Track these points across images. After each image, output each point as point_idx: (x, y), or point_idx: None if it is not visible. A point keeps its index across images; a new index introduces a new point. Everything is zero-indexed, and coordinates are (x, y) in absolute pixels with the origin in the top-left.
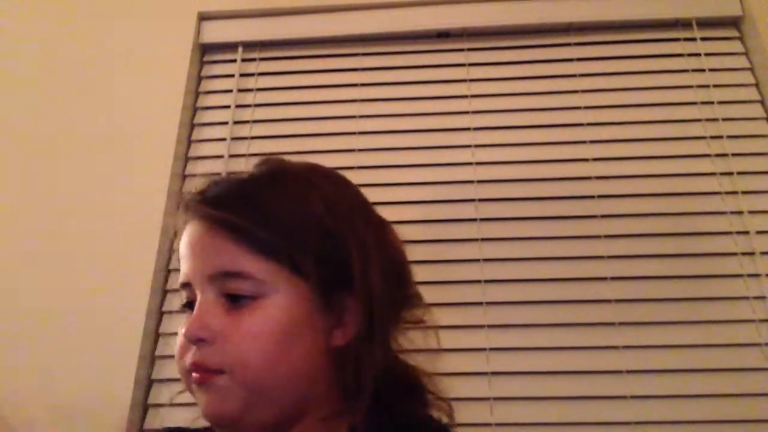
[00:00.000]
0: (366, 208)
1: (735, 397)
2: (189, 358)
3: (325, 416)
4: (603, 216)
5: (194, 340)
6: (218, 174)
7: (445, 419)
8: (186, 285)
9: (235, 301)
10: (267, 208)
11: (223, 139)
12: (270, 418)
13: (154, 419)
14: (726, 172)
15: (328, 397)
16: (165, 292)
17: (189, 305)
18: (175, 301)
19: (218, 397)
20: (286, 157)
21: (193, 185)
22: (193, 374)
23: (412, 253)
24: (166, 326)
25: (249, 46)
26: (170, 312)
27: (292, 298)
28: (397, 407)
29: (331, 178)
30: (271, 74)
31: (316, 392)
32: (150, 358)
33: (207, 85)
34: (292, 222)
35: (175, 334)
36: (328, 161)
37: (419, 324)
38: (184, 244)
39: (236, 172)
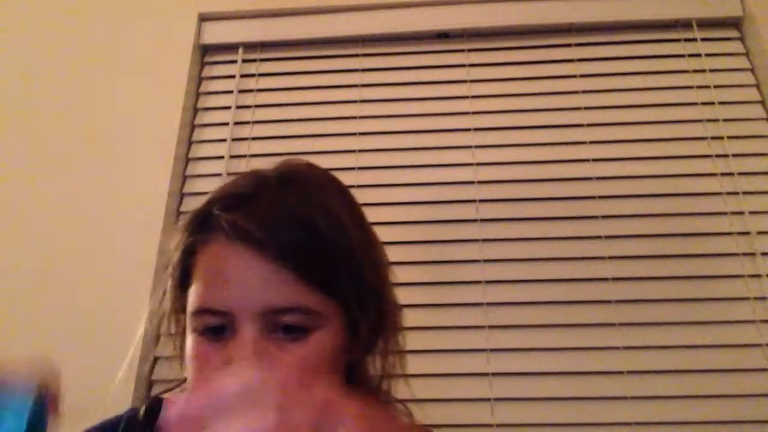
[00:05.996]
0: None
1: (735, 398)
2: None
3: None
4: (603, 217)
5: None
6: (233, 181)
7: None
8: (214, 311)
9: (286, 332)
10: (325, 239)
11: (224, 140)
12: None
13: None
14: (727, 173)
15: None
16: (165, 293)
17: (213, 330)
18: None
19: None
20: (286, 158)
21: (214, 196)
22: None
23: (413, 253)
24: (167, 327)
25: (249, 47)
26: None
27: (336, 325)
28: None
29: (346, 193)
30: (272, 75)
31: None
32: (150, 358)
33: (207, 86)
34: (342, 249)
35: (175, 334)
36: (328, 162)
37: (399, 329)
38: (221, 268)
39: (263, 186)
